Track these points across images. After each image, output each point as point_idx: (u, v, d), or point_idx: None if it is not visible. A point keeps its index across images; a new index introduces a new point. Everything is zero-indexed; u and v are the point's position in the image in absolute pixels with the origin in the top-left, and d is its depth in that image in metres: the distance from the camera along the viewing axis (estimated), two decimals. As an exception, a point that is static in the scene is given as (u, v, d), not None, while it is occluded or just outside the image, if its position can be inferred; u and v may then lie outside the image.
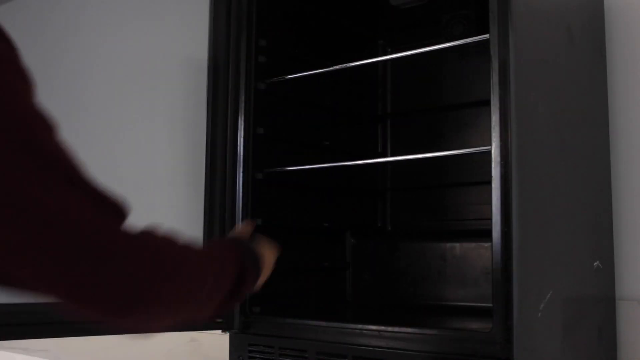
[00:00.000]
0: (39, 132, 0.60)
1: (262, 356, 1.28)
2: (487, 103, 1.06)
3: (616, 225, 1.41)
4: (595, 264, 1.28)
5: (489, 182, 1.04)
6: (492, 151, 1.04)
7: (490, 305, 1.02)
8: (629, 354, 1.35)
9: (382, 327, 1.14)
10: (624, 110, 1.44)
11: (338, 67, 1.41)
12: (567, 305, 1.15)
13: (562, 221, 1.17)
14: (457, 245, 1.62)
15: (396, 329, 1.13)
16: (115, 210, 0.66)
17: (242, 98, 1.39)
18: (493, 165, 1.03)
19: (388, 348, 1.12)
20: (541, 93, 1.13)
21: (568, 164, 1.22)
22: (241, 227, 1.27)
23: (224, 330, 1.35)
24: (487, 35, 1.08)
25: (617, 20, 1.47)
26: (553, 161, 1.15)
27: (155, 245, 0.68)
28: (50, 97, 1.39)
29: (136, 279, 0.64)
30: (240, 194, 1.37)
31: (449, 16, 1.54)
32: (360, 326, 1.17)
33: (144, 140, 1.40)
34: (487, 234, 1.04)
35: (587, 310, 1.26)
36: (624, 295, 1.38)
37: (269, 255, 0.99)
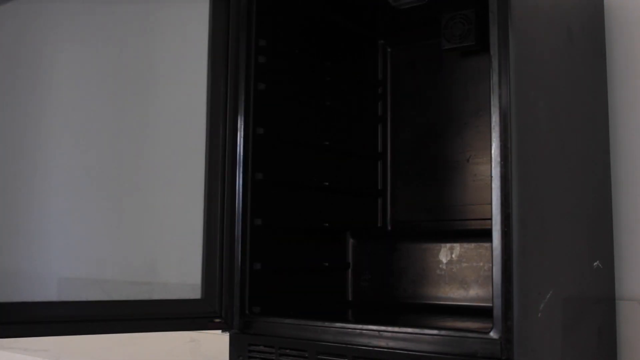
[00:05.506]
0: None
1: (262, 356, 1.28)
2: (487, 103, 1.06)
3: (616, 225, 1.41)
4: (595, 264, 1.28)
5: (489, 183, 1.04)
6: (492, 151, 1.04)
7: (490, 305, 1.02)
8: (629, 354, 1.35)
9: (382, 327, 1.14)
10: (624, 110, 1.44)
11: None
12: (567, 305, 1.15)
13: (562, 221, 1.17)
14: (457, 245, 1.62)
15: (396, 329, 1.13)
16: None
17: (242, 98, 1.39)
18: (493, 165, 1.03)
19: (388, 348, 1.12)
20: (541, 93, 1.13)
21: (568, 164, 1.22)
22: None
23: (224, 330, 1.35)
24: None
25: (617, 20, 1.47)
26: (553, 161, 1.15)
27: None
28: (50, 96, 1.39)
29: None
30: (240, 195, 1.37)
31: (449, 16, 1.55)
32: (360, 326, 1.17)
33: (142, 142, 1.40)
34: (487, 234, 1.04)
35: (587, 310, 1.26)
36: (624, 295, 1.38)
37: None
